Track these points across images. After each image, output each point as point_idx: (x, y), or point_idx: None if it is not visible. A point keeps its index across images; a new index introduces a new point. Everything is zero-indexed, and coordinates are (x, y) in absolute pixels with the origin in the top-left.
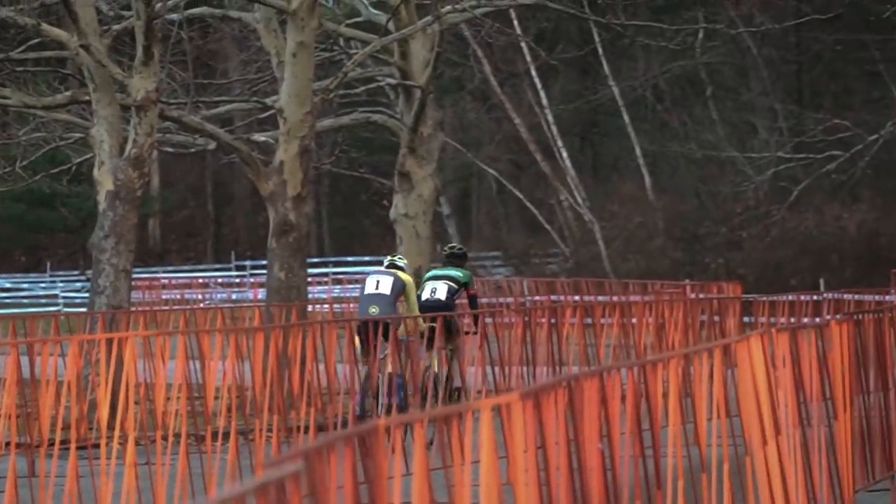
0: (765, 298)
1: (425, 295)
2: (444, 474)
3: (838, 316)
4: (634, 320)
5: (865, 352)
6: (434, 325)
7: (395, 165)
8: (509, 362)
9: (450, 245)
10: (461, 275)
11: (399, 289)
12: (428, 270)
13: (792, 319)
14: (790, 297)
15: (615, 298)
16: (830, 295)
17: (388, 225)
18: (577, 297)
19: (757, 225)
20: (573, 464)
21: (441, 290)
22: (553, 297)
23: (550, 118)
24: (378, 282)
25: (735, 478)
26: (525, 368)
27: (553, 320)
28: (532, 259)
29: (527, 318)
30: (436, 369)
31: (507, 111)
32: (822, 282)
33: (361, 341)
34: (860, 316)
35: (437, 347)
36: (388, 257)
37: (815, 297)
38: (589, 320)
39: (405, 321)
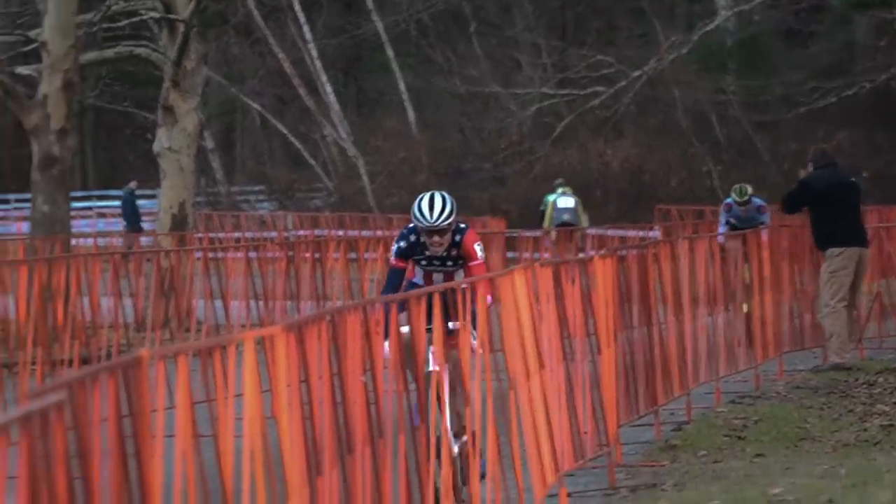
0: (528, 234)
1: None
2: (207, 407)
3: (601, 251)
4: None
5: (629, 287)
6: None
7: (158, 99)
8: (273, 296)
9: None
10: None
11: (577, 204)
12: (191, 205)
13: (555, 255)
14: (553, 234)
15: (379, 233)
16: (594, 231)
17: (151, 159)
18: (340, 232)
19: (520, 161)
20: (336, 397)
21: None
22: (317, 232)
23: (314, 53)
24: (566, 200)
25: (499, 412)
26: (289, 303)
27: (317, 254)
28: (296, 193)
29: (291, 253)
30: None
31: (271, 46)
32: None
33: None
34: (623, 251)
35: None
36: (561, 183)
37: (578, 233)
38: (353, 255)
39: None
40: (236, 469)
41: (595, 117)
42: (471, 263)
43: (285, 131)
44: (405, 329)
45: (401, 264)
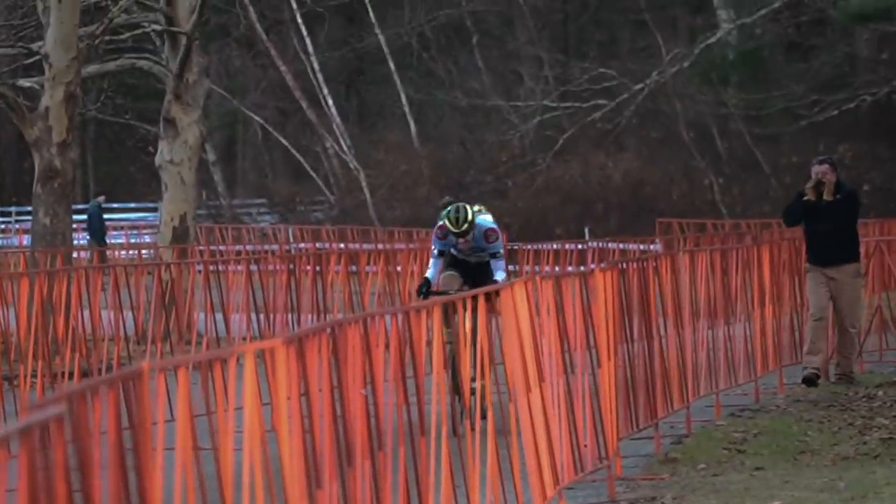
0: (529, 247)
1: None
2: (207, 420)
3: (602, 264)
4: (399, 268)
5: (630, 300)
6: None
7: (160, 112)
8: (274, 309)
9: None
10: None
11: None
12: (192, 217)
13: (556, 268)
14: (555, 246)
15: (380, 246)
16: (595, 244)
17: (153, 171)
18: (342, 245)
19: (522, 173)
20: (336, 410)
21: None
22: (318, 245)
23: (316, 65)
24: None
25: (499, 424)
26: (290, 316)
27: (318, 267)
28: (297, 206)
29: (292, 266)
30: None
31: (273, 58)
32: (586, 231)
33: None
34: (624, 264)
35: None
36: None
37: (579, 246)
38: (354, 268)
39: None
40: (236, 482)
41: (597, 130)
42: None
43: (287, 144)
44: None
45: None
